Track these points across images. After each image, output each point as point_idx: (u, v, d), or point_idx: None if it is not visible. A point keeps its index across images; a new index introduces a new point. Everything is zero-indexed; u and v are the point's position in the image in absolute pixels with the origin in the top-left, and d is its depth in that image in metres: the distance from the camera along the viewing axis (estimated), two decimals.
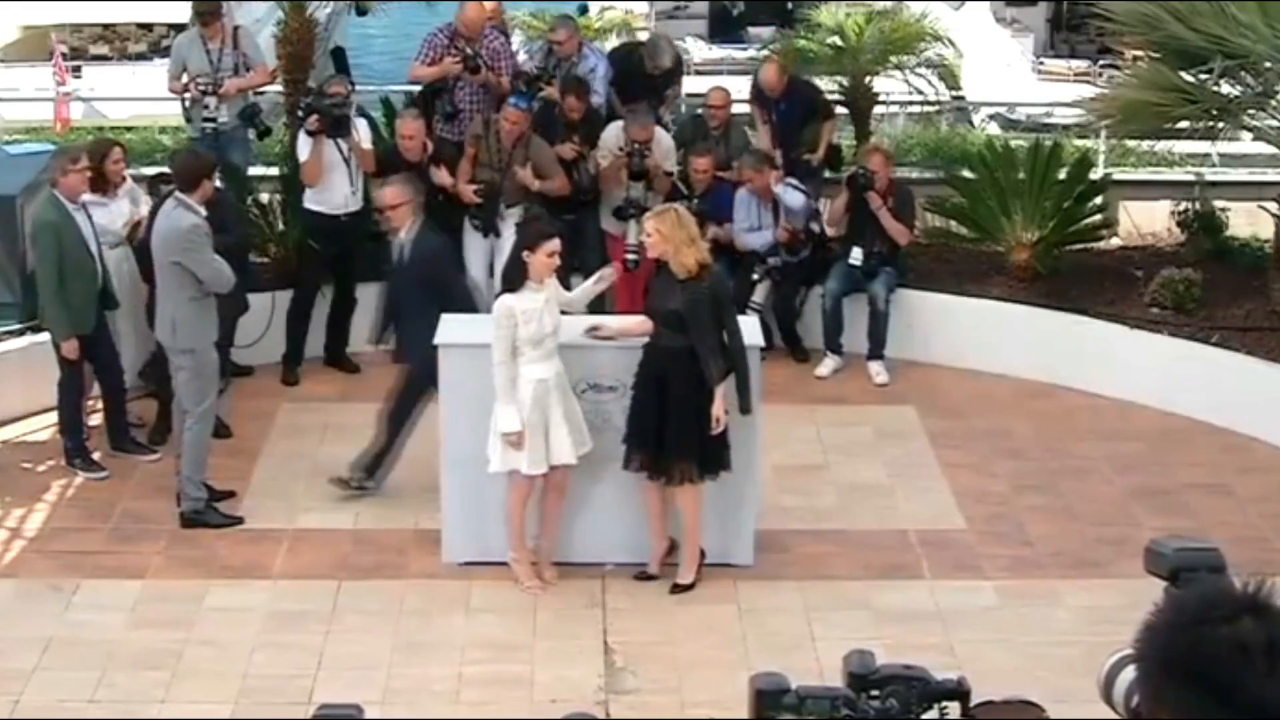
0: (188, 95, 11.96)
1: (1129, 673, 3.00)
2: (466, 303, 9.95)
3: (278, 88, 12.90)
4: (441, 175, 11.59)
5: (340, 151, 11.39)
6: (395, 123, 11.79)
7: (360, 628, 8.69)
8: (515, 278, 8.68)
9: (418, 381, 9.73)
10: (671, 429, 8.71)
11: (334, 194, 11.46)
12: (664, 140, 11.77)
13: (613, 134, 11.87)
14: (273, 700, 8.00)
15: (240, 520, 9.74)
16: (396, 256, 9.82)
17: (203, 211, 9.51)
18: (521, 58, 12.96)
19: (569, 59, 12.29)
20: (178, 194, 9.54)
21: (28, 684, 8.13)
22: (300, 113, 11.50)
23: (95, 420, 10.58)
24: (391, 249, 9.89)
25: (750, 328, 9.61)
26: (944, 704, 3.23)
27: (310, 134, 11.31)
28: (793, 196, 11.86)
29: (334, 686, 8.03)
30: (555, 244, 8.62)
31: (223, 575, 9.20)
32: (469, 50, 12.04)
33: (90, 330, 10.16)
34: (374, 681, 8.14)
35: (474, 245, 11.71)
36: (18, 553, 9.41)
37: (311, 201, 11.55)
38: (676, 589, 9.00)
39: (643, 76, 12.49)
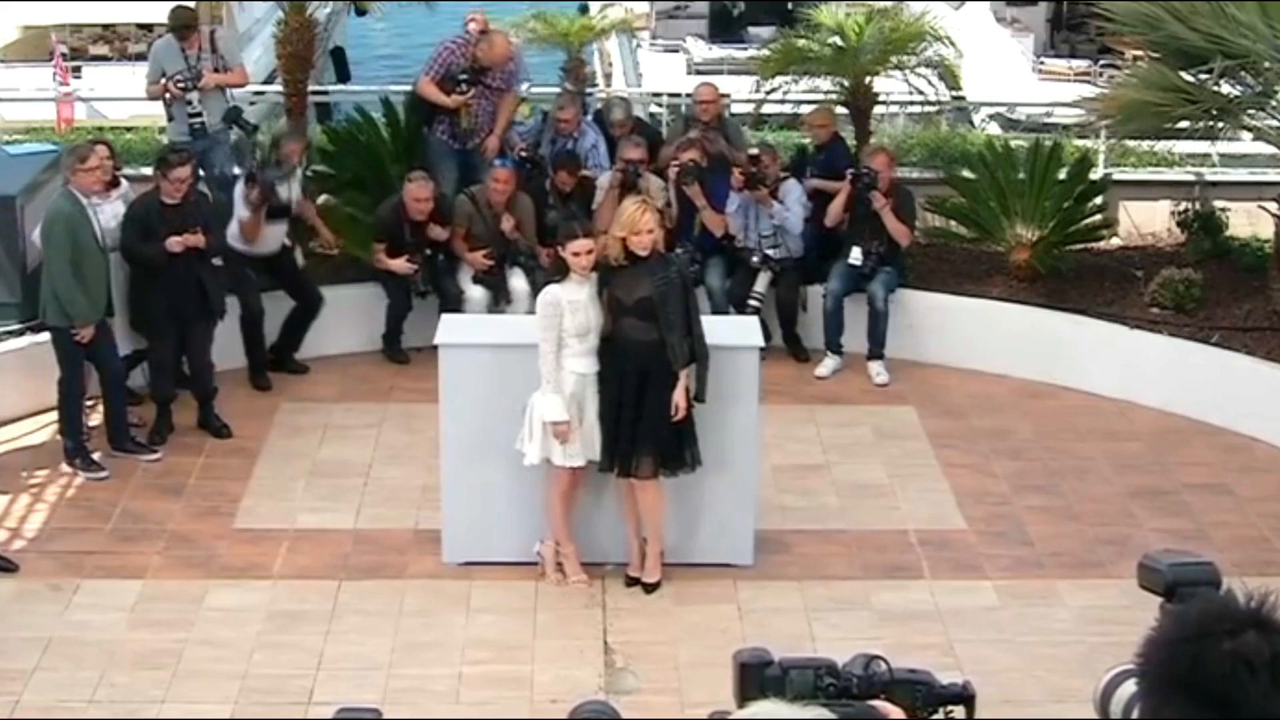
0: (168, 95, 11.93)
1: (1128, 687, 2.95)
2: None
3: (277, 88, 12.85)
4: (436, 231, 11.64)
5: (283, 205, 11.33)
6: (405, 185, 11.55)
7: (360, 628, 8.68)
8: (559, 271, 8.77)
9: None
10: (646, 423, 8.70)
11: (262, 245, 11.34)
12: (655, 180, 11.82)
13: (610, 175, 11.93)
14: (272, 700, 8.00)
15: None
16: None
17: None
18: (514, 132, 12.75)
19: (569, 136, 12.30)
20: None
21: (28, 684, 8.12)
22: (245, 178, 11.23)
23: (95, 420, 10.57)
24: None
25: (750, 328, 9.62)
26: (949, 708, 3.22)
27: (249, 202, 11.13)
28: (794, 217, 11.82)
29: (334, 686, 8.04)
30: (579, 244, 8.64)
31: (223, 575, 9.19)
32: (482, 81, 12.09)
33: (99, 319, 10.15)
34: (374, 681, 8.14)
35: (475, 298, 11.71)
36: (18, 553, 9.38)
37: (234, 239, 11.14)
38: (648, 588, 9.01)
39: (608, 135, 12.47)
